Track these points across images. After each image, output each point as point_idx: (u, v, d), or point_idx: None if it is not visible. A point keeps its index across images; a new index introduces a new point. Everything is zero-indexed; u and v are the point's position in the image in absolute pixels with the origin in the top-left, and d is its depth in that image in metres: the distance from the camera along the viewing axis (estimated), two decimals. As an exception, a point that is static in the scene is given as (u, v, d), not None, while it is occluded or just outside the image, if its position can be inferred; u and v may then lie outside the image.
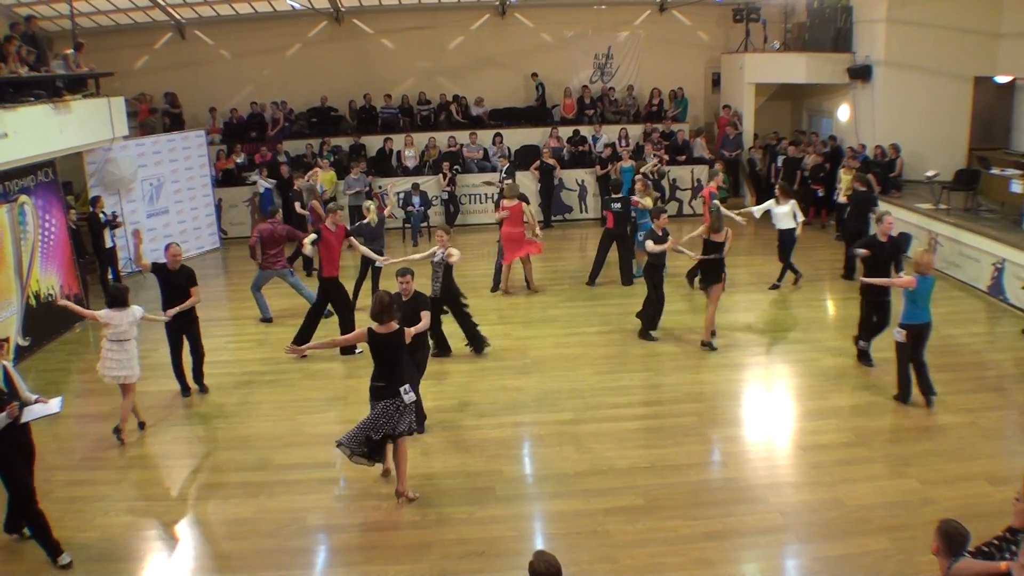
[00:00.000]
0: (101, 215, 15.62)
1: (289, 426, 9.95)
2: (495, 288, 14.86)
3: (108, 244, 15.69)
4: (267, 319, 13.73)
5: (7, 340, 7.29)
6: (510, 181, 15.82)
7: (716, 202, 13.54)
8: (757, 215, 14.78)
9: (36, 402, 7.34)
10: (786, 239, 14.35)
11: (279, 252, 13.47)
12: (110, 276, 15.61)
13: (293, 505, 8.20)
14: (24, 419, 7.13)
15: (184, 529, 7.94)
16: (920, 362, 9.86)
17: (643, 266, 12.68)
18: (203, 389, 10.99)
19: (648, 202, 14.67)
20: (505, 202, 14.36)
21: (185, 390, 10.85)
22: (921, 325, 9.67)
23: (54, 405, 7.51)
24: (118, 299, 9.38)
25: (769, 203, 14.50)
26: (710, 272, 11.82)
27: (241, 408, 10.56)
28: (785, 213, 14.12)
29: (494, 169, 19.76)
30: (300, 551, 7.51)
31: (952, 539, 4.92)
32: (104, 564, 7.12)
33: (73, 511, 8.05)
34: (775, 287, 14.59)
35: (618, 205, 14.59)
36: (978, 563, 4.91)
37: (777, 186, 15.24)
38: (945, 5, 17.75)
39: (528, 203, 14.67)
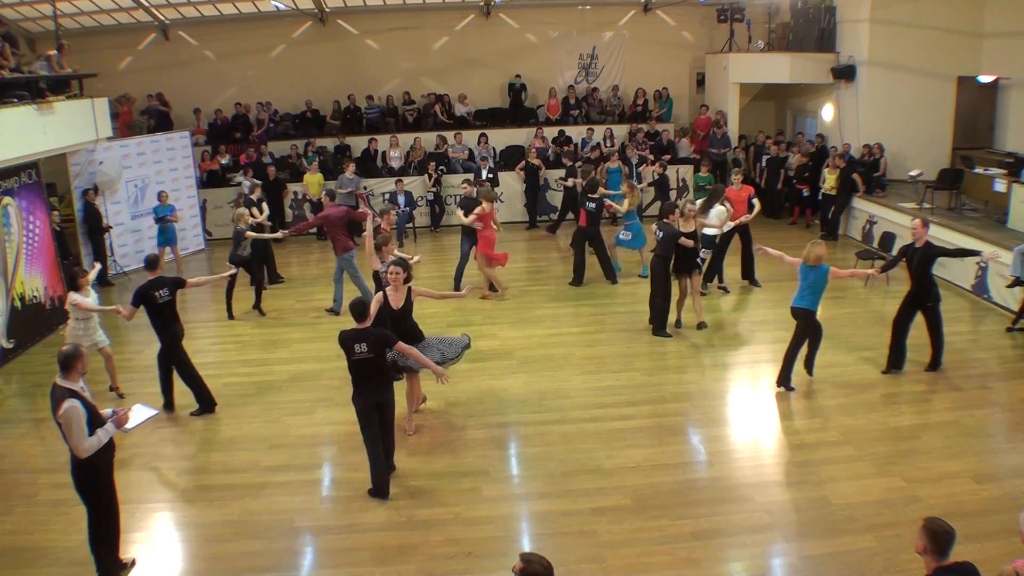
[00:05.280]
0: (103, 210, 16.21)
1: (275, 428, 9.92)
2: (458, 288, 14.92)
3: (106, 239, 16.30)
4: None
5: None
6: (467, 186, 15.63)
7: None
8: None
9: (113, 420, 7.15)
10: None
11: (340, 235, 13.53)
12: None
13: (279, 507, 8.18)
14: (129, 425, 7.11)
15: (170, 532, 7.92)
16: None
17: (652, 261, 12.75)
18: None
19: (626, 205, 14.77)
20: (485, 205, 14.24)
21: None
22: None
23: (149, 409, 7.74)
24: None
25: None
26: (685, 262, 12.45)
27: (226, 410, 10.50)
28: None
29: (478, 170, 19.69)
30: (286, 553, 7.49)
31: (939, 537, 4.92)
32: (90, 568, 7.06)
33: (59, 514, 8.02)
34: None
35: (592, 205, 14.68)
36: None
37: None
38: (928, 5, 17.85)
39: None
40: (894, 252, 14.29)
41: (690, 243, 12.17)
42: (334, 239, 13.56)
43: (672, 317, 12.69)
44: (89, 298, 10.55)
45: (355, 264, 13.57)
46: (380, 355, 8.09)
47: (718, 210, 13.93)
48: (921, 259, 10.51)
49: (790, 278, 14.92)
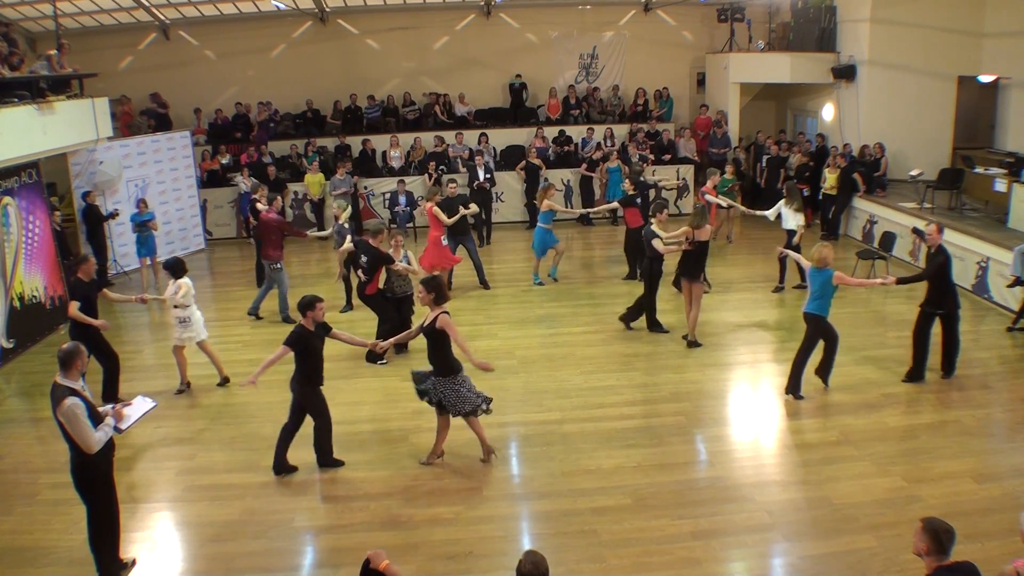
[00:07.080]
0: (103, 210, 16.12)
1: (275, 428, 9.84)
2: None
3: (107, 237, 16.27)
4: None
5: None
6: (453, 185, 15.51)
7: (702, 203, 13.67)
8: (771, 217, 14.56)
9: (113, 414, 7.13)
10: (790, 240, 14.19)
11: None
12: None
13: (280, 507, 8.19)
14: (124, 425, 7.10)
15: (171, 531, 7.92)
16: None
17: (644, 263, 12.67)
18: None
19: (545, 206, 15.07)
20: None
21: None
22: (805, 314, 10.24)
23: (148, 401, 7.66)
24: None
25: (780, 204, 14.30)
26: (692, 269, 11.88)
27: (228, 409, 10.53)
28: (793, 214, 14.03)
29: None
30: (287, 552, 7.49)
31: (941, 536, 4.90)
32: (90, 567, 7.06)
33: (59, 514, 8.02)
34: (779, 289, 14.57)
35: (640, 202, 14.84)
36: None
37: (786, 187, 15.14)
38: (929, 5, 17.86)
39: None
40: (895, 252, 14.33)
41: (668, 249, 11.89)
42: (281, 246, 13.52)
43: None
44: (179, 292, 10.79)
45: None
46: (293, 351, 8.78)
47: (777, 206, 14.25)
48: (932, 265, 10.24)
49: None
